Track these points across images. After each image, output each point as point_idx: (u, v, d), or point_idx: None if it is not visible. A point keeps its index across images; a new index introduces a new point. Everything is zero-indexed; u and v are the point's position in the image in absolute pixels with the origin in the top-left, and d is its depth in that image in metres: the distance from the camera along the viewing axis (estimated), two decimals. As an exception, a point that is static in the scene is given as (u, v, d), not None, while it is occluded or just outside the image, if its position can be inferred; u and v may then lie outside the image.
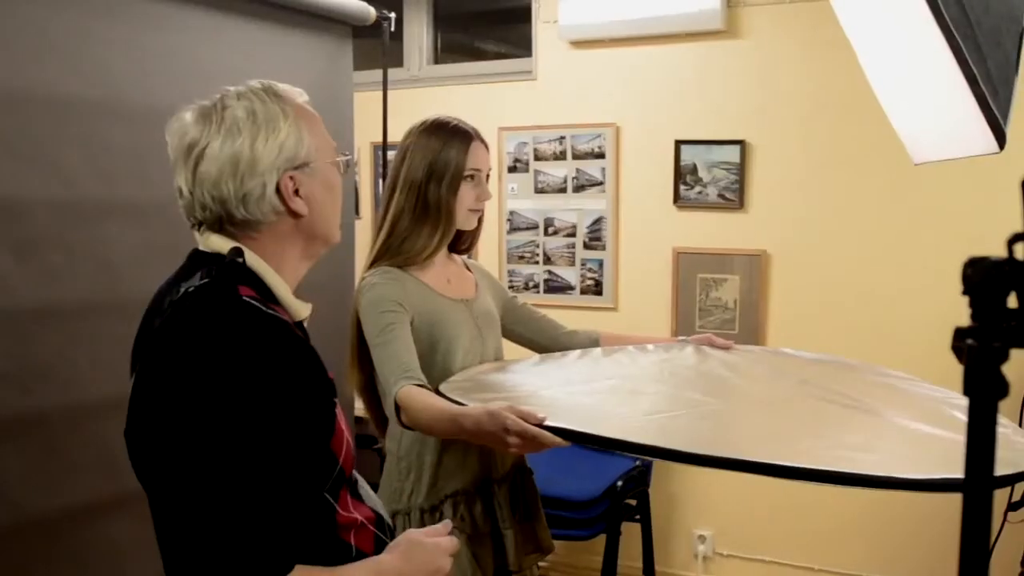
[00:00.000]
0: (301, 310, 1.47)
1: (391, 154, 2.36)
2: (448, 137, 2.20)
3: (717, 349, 2.42)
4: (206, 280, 1.37)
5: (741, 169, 3.87)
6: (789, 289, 3.86)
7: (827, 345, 3.17)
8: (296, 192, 1.43)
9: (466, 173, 2.20)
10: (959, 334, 0.65)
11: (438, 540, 1.50)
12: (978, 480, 0.67)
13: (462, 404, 1.91)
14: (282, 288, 1.44)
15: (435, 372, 2.14)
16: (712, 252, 3.96)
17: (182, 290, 1.37)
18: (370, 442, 3.17)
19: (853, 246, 3.74)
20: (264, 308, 1.36)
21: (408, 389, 1.98)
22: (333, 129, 3.37)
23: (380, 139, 3.77)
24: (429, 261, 2.23)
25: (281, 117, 1.44)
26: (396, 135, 2.56)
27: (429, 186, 2.18)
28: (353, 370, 2.26)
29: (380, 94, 3.72)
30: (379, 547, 1.48)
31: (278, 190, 1.42)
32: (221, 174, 1.40)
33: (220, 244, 1.42)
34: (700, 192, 3.96)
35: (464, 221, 2.24)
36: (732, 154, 3.88)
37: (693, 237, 3.99)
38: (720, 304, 3.95)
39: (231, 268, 1.39)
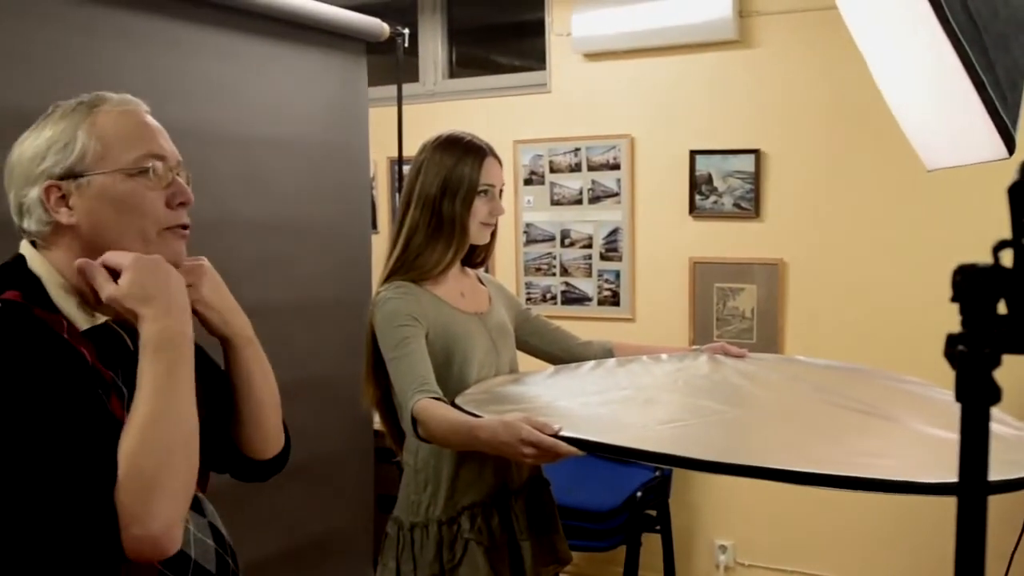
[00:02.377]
0: (81, 321, 1.36)
1: (407, 168, 2.39)
2: (462, 153, 2.22)
3: (731, 358, 2.42)
4: None
5: (756, 178, 3.88)
6: (806, 298, 3.85)
7: (845, 354, 3.17)
8: (66, 203, 1.37)
9: (480, 188, 2.22)
10: (951, 340, 0.66)
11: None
12: (972, 485, 0.67)
13: (478, 416, 1.93)
14: (59, 295, 1.36)
15: (451, 385, 2.16)
16: (728, 262, 3.96)
17: None
18: (388, 456, 3.19)
19: (869, 254, 3.73)
20: (13, 308, 1.29)
21: (424, 402, 1.99)
22: (348, 144, 3.41)
23: (396, 154, 3.80)
24: (443, 275, 2.25)
25: (51, 124, 1.39)
26: (412, 149, 2.58)
27: (443, 202, 2.20)
28: (368, 384, 2.28)
29: (395, 109, 3.75)
30: None
31: (42, 199, 1.36)
32: (8, 184, 1.41)
33: (22, 250, 1.41)
34: (716, 202, 3.96)
35: (477, 235, 2.26)
36: (747, 163, 3.89)
37: (709, 247, 4.00)
38: (737, 313, 3.95)
39: (13, 271, 1.37)
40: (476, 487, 2.20)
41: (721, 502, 4.06)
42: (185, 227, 1.44)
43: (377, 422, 2.44)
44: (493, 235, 2.32)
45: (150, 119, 1.45)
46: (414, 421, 2.01)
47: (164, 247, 1.41)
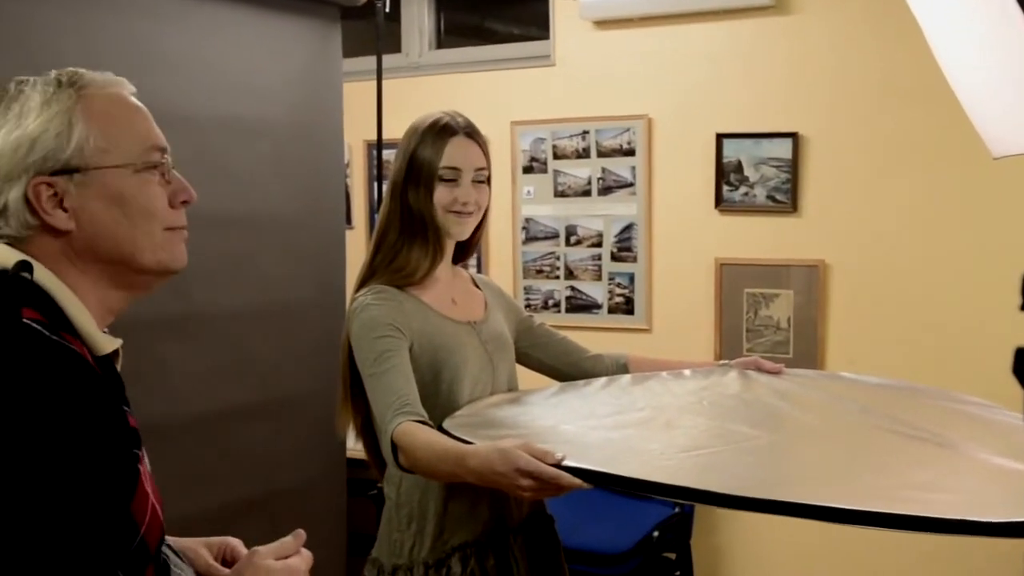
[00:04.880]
0: (104, 344, 1.38)
1: (387, 154, 2.40)
2: (426, 133, 2.25)
3: (765, 374, 2.43)
4: None
5: (794, 166, 3.89)
6: (851, 305, 3.86)
7: (895, 370, 3.17)
8: (60, 204, 1.34)
9: (440, 172, 2.22)
10: (1020, 355, 0.66)
11: (289, 562, 1.47)
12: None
13: (468, 442, 1.93)
14: (80, 314, 1.35)
15: (438, 406, 2.16)
16: (761, 263, 3.97)
17: None
18: (366, 488, 3.20)
19: (924, 255, 3.74)
20: (50, 335, 1.27)
21: (406, 426, 2.00)
22: (318, 125, 3.42)
23: (374, 136, 3.81)
24: (429, 278, 2.26)
25: (40, 108, 1.34)
26: (392, 131, 2.59)
27: (407, 190, 2.23)
28: (347, 405, 2.28)
29: (374, 84, 3.75)
30: None
31: (28, 199, 1.33)
32: None
33: (4, 257, 1.34)
34: (746, 194, 3.97)
35: (450, 228, 2.25)
36: (783, 149, 3.90)
37: (739, 246, 4.01)
38: (771, 323, 3.96)
39: (13, 284, 1.31)
40: (468, 524, 2.21)
41: (750, 544, 4.06)
42: (185, 228, 1.47)
43: (353, 449, 2.45)
44: (479, 229, 2.33)
45: (138, 102, 1.45)
46: (394, 447, 2.01)
47: (170, 250, 1.43)
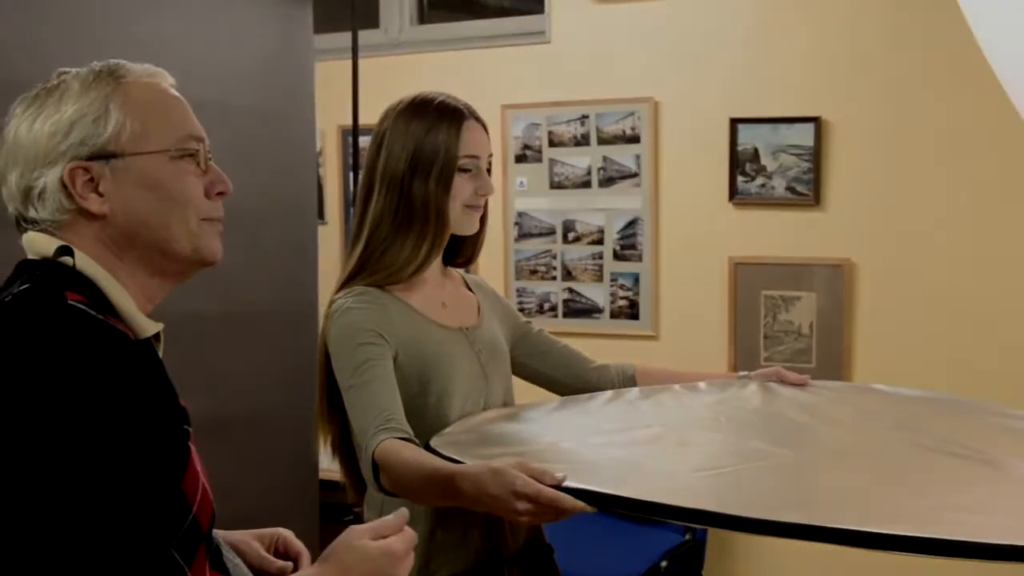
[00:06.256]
0: (147, 326, 1.50)
1: (364, 140, 2.39)
2: (435, 117, 2.23)
3: (788, 386, 2.44)
4: (26, 286, 1.42)
5: (816, 155, 3.90)
6: (879, 309, 3.86)
7: (930, 380, 3.18)
8: (95, 189, 1.47)
9: (460, 163, 2.22)
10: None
11: (387, 543, 1.53)
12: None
13: (459, 462, 1.93)
14: (122, 297, 1.47)
15: (426, 421, 2.16)
16: (780, 263, 3.98)
17: None
18: (341, 513, 3.20)
19: (960, 253, 3.75)
20: (96, 314, 1.40)
21: (389, 443, 2.00)
22: (287, 109, 3.39)
23: (350, 121, 3.81)
24: (418, 278, 2.25)
25: (78, 95, 1.49)
26: (370, 116, 2.58)
27: (414, 181, 2.21)
28: (323, 419, 2.28)
29: (349, 64, 3.75)
30: None
31: (64, 184, 1.46)
32: (5, 165, 1.50)
33: (44, 244, 1.48)
34: (763, 185, 3.98)
35: (461, 224, 2.26)
36: (804, 135, 3.91)
37: (755, 244, 4.01)
38: (792, 329, 3.97)
39: (56, 270, 1.45)
40: (458, 554, 2.20)
41: (769, 572, 4.07)
42: (220, 220, 1.59)
43: (325, 469, 2.44)
44: (483, 223, 2.33)
45: (176, 92, 1.59)
46: (375, 467, 2.01)
47: (206, 240, 1.56)
